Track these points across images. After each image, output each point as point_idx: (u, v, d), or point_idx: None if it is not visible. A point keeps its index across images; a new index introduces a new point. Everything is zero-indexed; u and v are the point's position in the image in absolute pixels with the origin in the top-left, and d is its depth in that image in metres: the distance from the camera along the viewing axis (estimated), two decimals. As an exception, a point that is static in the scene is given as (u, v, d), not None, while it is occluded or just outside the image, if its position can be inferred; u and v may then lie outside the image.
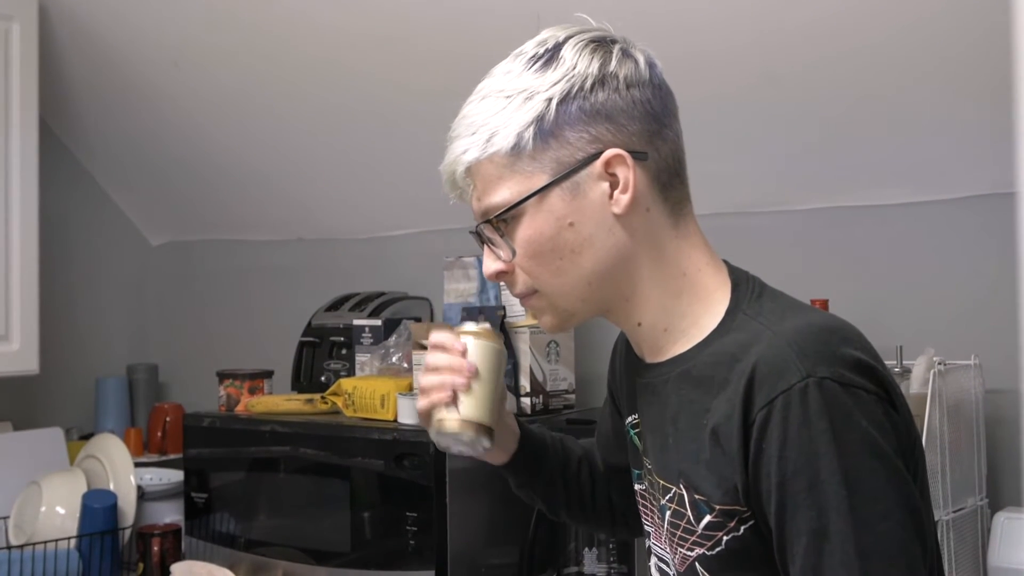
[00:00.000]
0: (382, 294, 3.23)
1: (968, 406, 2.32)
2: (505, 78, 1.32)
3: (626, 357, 1.48)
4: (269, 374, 3.11)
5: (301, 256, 3.71)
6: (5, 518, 3.14)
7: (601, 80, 1.27)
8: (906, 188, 2.53)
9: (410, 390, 2.67)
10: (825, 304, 2.42)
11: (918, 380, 2.24)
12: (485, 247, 1.36)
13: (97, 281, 3.94)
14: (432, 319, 3.19)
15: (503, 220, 1.30)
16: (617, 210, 1.27)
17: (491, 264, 1.34)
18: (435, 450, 2.52)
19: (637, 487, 1.44)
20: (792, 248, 2.72)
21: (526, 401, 2.76)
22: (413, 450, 2.54)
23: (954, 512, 2.22)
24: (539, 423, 2.58)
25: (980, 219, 2.44)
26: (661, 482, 1.31)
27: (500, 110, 1.30)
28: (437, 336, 1.40)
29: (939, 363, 2.21)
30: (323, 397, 2.85)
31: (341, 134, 3.25)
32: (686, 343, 1.29)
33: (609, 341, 2.96)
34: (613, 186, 1.27)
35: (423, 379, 1.39)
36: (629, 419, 1.46)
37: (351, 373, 2.96)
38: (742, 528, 1.20)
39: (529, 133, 1.27)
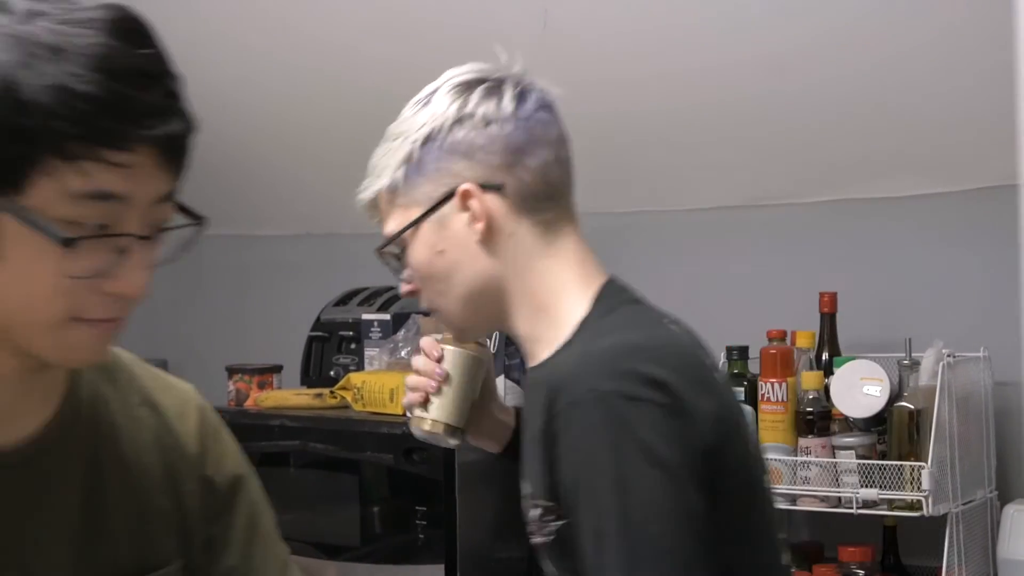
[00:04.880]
0: (391, 288, 3.22)
1: (977, 398, 2.32)
2: (397, 122, 1.51)
3: None
4: (278, 369, 3.11)
5: (309, 251, 3.71)
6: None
7: (459, 120, 1.43)
8: (914, 180, 2.53)
9: (419, 384, 2.67)
10: (834, 297, 2.42)
11: (927, 372, 2.23)
12: None
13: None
14: (440, 313, 3.19)
15: (396, 248, 1.47)
16: (476, 238, 1.40)
17: (402, 285, 1.51)
18: (444, 444, 2.52)
19: None
20: (800, 241, 2.72)
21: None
22: (422, 444, 2.52)
23: (963, 505, 2.22)
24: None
25: (989, 211, 2.44)
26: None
27: (385, 153, 1.49)
28: (422, 342, 1.55)
29: (948, 355, 2.21)
30: (332, 392, 2.85)
31: (349, 128, 3.24)
32: (546, 353, 1.40)
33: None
34: (471, 217, 1.40)
35: (407, 379, 1.54)
36: None
37: (360, 367, 2.96)
38: (561, 521, 1.31)
39: (400, 173, 1.45)
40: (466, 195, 1.39)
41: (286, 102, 3.27)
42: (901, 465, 2.17)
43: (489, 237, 1.40)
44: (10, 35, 0.91)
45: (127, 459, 1.11)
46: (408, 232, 1.43)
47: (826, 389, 2.30)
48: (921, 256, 2.56)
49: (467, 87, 1.46)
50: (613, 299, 1.45)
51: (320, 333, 3.21)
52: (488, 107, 1.44)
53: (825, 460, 2.26)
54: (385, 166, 1.47)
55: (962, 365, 2.27)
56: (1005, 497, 2.36)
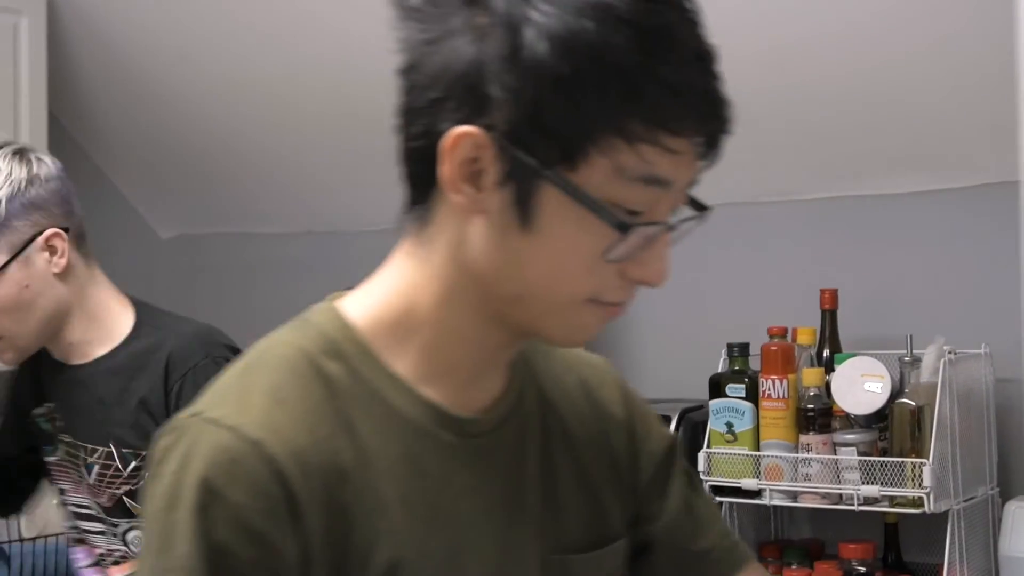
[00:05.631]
0: (392, 286, 3.22)
1: (978, 395, 2.32)
2: None
3: (32, 368, 1.93)
4: (279, 366, 3.11)
5: (311, 249, 3.71)
6: (17, 511, 3.15)
7: (31, 180, 1.79)
8: (916, 176, 2.53)
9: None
10: (835, 294, 2.42)
11: (928, 369, 2.23)
12: None
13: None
14: (441, 310, 3.19)
15: None
16: (56, 270, 1.81)
17: None
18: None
19: (51, 459, 1.92)
20: (802, 238, 2.72)
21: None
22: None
23: (965, 501, 2.22)
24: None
25: (990, 207, 2.44)
26: (89, 446, 1.85)
27: None
28: None
29: (949, 352, 2.21)
30: (333, 389, 2.85)
31: (350, 126, 3.25)
32: (105, 348, 1.86)
33: (617, 334, 2.96)
34: (52, 253, 1.80)
35: None
36: (36, 411, 1.93)
37: (361, 365, 2.96)
38: None
39: None
40: (52, 238, 1.81)
41: (288, 100, 3.27)
42: (902, 462, 2.17)
43: (65, 270, 1.82)
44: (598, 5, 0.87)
45: (570, 430, 1.09)
46: None
47: (827, 386, 2.30)
48: (922, 252, 2.56)
49: (19, 154, 1.80)
50: (149, 306, 1.94)
51: (321, 330, 3.20)
52: (44, 169, 1.82)
53: (826, 457, 2.25)
54: None
55: (963, 362, 2.26)
56: (1007, 494, 2.36)
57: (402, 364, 0.99)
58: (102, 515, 1.89)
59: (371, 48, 2.94)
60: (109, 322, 1.90)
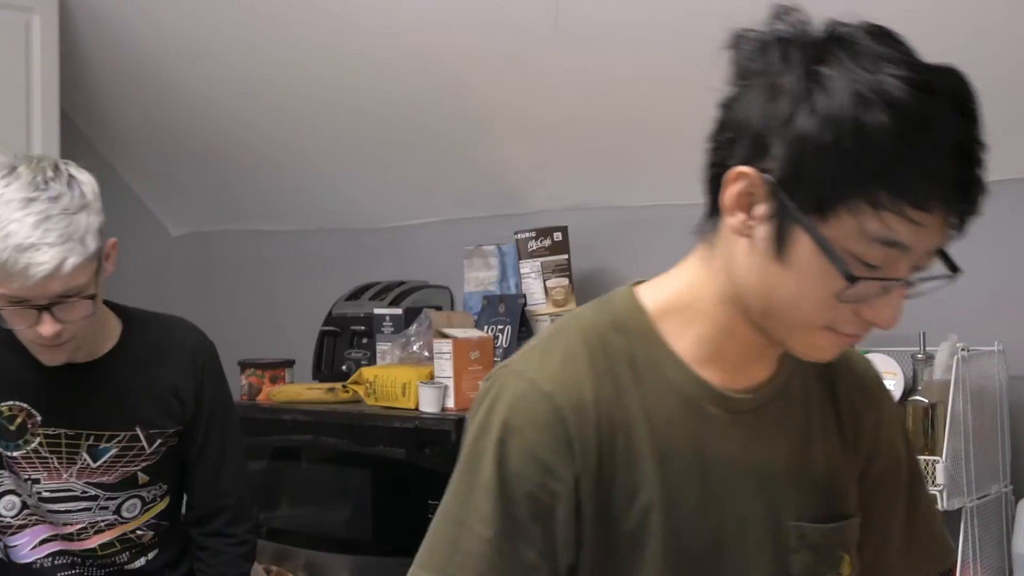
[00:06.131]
0: (402, 283, 3.23)
1: (991, 392, 2.31)
2: (59, 199, 1.84)
3: (7, 362, 1.97)
4: (291, 363, 3.12)
5: (321, 246, 3.72)
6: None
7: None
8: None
9: (431, 378, 2.67)
10: (847, 291, 2.41)
11: (941, 366, 2.23)
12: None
13: (118, 272, 3.92)
14: (452, 307, 3.19)
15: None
16: (107, 275, 1.92)
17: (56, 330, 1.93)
18: (457, 437, 2.52)
19: (15, 454, 1.98)
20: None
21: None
22: (435, 438, 2.54)
23: (978, 499, 2.21)
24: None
25: (1005, 204, 2.41)
26: (105, 432, 1.99)
27: (79, 224, 1.88)
28: None
29: (962, 349, 2.20)
30: (344, 386, 2.86)
31: (359, 125, 3.25)
32: (108, 346, 2.02)
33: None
34: (107, 260, 1.92)
35: None
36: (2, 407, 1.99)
37: (372, 362, 2.97)
38: (176, 439, 2.07)
39: (99, 240, 1.91)
40: (113, 245, 1.93)
41: (300, 99, 3.27)
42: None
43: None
44: (859, 77, 1.03)
45: (828, 417, 1.24)
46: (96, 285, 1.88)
47: (839, 383, 2.29)
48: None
49: (65, 165, 1.90)
50: (134, 310, 2.09)
51: (332, 327, 3.22)
52: None
53: (839, 454, 2.25)
54: (86, 234, 1.81)
55: (976, 359, 2.26)
56: (1020, 491, 2.35)
57: (681, 346, 1.17)
58: (94, 492, 2.03)
59: (385, 48, 2.96)
60: (106, 321, 2.03)
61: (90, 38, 3.43)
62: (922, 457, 2.16)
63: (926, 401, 2.21)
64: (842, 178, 1.02)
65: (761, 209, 1.07)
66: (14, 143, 2.99)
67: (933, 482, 2.13)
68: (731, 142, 1.10)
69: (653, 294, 1.20)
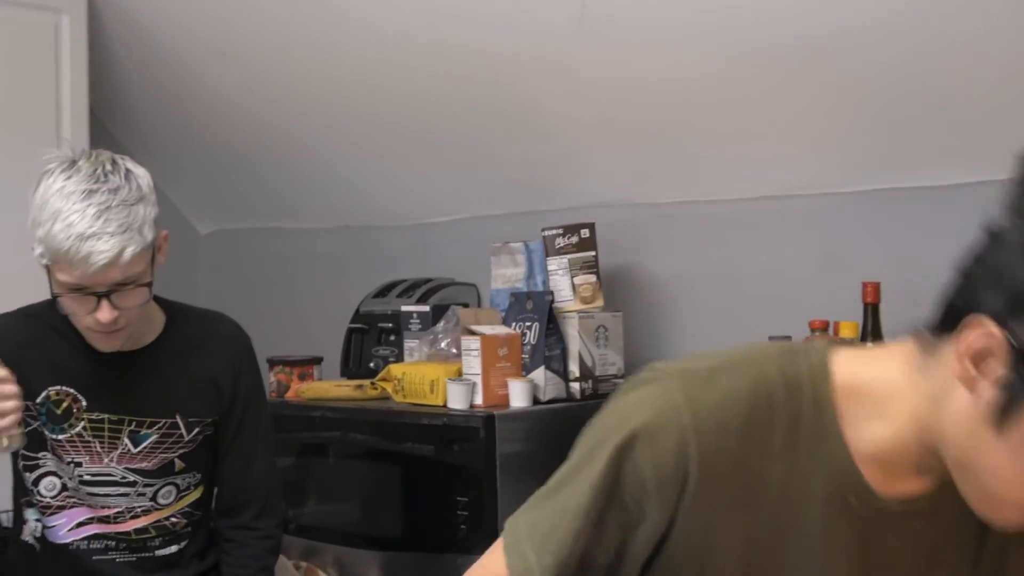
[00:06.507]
0: (429, 280, 3.23)
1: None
2: (117, 190, 1.93)
3: (57, 348, 2.07)
4: (319, 360, 3.13)
5: (348, 243, 3.73)
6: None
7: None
8: (960, 168, 2.51)
9: (459, 375, 2.68)
10: (877, 287, 2.41)
11: (972, 362, 2.21)
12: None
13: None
14: (479, 304, 3.20)
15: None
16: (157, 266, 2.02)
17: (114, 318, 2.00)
18: (485, 434, 2.53)
19: (60, 437, 2.06)
20: (843, 230, 2.70)
21: (575, 386, 2.76)
22: (463, 435, 2.55)
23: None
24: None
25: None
26: (147, 419, 2.07)
27: (136, 214, 1.96)
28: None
29: (994, 345, 2.19)
30: (373, 383, 2.87)
31: (386, 122, 3.26)
32: (152, 336, 2.11)
33: (659, 327, 2.96)
34: (159, 251, 2.00)
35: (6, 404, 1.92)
36: (47, 393, 2.06)
37: (400, 359, 2.98)
38: (212, 428, 2.13)
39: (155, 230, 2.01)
40: (164, 237, 2.02)
41: (325, 98, 3.28)
42: (946, 455, 2.16)
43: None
44: None
45: (964, 542, 1.17)
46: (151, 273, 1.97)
47: (869, 379, 2.28)
48: (965, 245, 2.54)
49: (121, 159, 1.99)
50: (172, 302, 2.16)
51: (359, 325, 3.23)
52: None
53: (869, 450, 2.24)
54: (143, 224, 1.90)
55: (1008, 355, 2.23)
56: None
57: (852, 432, 1.09)
58: (133, 478, 2.09)
59: (410, 48, 2.97)
60: (152, 313, 2.11)
61: (118, 38, 3.45)
62: None
63: None
64: None
65: (995, 371, 0.98)
66: (44, 141, 2.99)
67: (964, 478, 2.12)
68: (986, 285, 1.01)
69: (848, 369, 1.11)
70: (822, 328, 2.37)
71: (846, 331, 2.37)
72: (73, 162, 1.92)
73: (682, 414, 1.09)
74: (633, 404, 1.12)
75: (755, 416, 1.09)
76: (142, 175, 1.97)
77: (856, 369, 1.11)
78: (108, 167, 1.92)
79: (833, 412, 1.10)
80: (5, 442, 1.90)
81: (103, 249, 1.84)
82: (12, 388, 1.91)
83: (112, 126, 3.81)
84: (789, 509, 1.10)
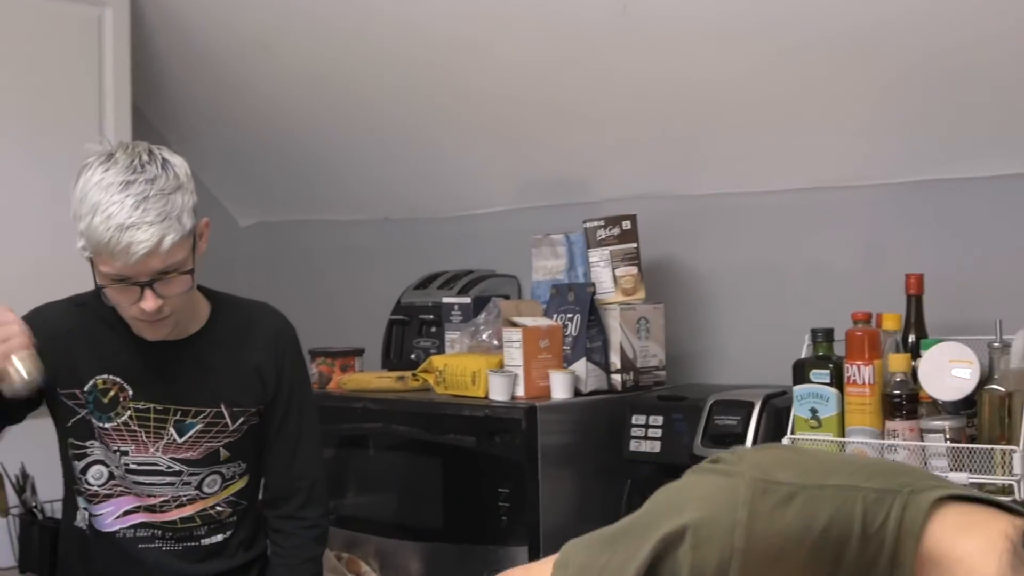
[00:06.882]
0: (470, 272, 3.24)
1: (1070, 381, 2.27)
2: (153, 180, 1.93)
3: (104, 338, 2.08)
4: (360, 352, 3.14)
5: (388, 235, 3.74)
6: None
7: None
8: (1003, 159, 2.49)
9: (501, 367, 2.68)
10: (920, 279, 2.39)
11: (1018, 355, 2.19)
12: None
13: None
14: (520, 296, 3.20)
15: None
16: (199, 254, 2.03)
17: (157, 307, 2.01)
18: (527, 426, 2.53)
19: (107, 425, 2.08)
20: (887, 221, 2.68)
21: (617, 378, 2.76)
22: (505, 426, 2.55)
23: (1056, 488, 2.18)
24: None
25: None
26: (192, 408, 2.09)
27: (175, 203, 1.97)
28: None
29: (1040, 337, 2.17)
30: (414, 374, 2.87)
31: (426, 115, 3.26)
32: (197, 325, 2.12)
33: (700, 319, 2.95)
34: (201, 238, 2.03)
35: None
36: (94, 381, 2.07)
37: (441, 351, 2.98)
38: (256, 418, 2.15)
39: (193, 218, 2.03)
40: (206, 224, 2.04)
41: (364, 91, 3.29)
42: (991, 449, 2.14)
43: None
44: None
45: None
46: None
47: (913, 372, 2.27)
48: (1012, 236, 2.52)
49: (159, 149, 2.00)
50: (216, 292, 2.18)
51: (401, 316, 3.23)
52: None
53: (913, 443, 2.22)
54: (182, 213, 1.91)
55: (1055, 347, 2.22)
56: (1098, 481, 2.31)
57: None
58: (178, 467, 2.11)
59: (449, 44, 2.97)
60: (197, 303, 2.13)
61: (160, 31, 3.47)
62: (998, 447, 2.13)
63: (1003, 390, 2.17)
64: None
65: None
66: (87, 135, 3.03)
67: (1010, 471, 2.10)
68: None
69: (944, 536, 1.02)
70: (864, 320, 2.35)
71: (889, 323, 2.36)
72: (111, 155, 1.93)
73: (736, 533, 1.03)
74: (697, 495, 1.06)
75: (818, 558, 1.02)
76: (179, 164, 1.98)
77: (952, 542, 1.00)
78: (145, 157, 1.93)
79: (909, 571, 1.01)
80: (22, 371, 1.87)
81: (143, 239, 1.86)
82: (11, 316, 1.91)
83: (154, 119, 3.83)
84: None
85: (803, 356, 2.39)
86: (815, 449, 1.09)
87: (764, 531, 1.02)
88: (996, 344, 2.25)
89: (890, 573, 1.01)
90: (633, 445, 2.57)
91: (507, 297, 3.10)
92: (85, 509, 2.15)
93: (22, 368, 1.86)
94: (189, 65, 3.58)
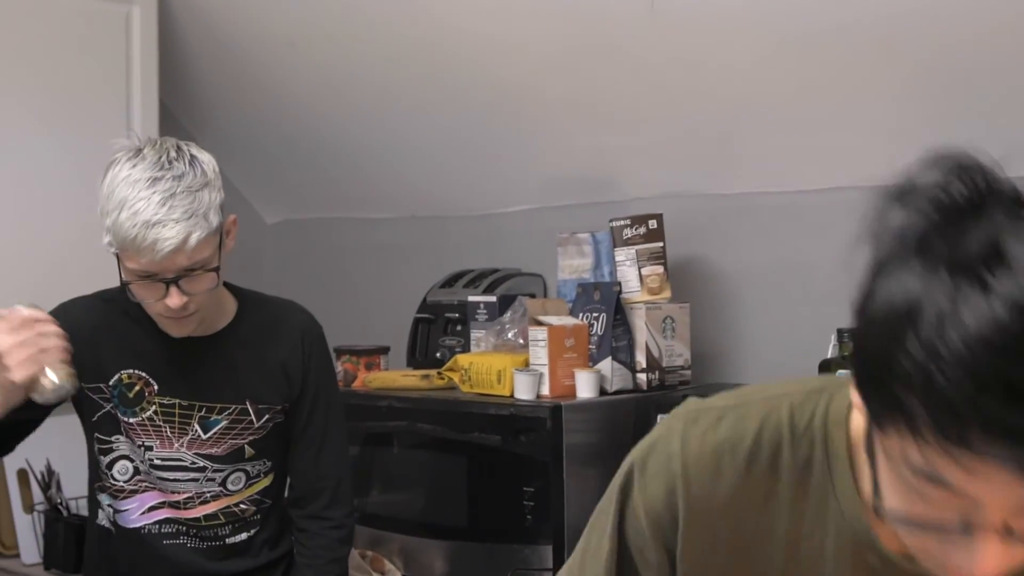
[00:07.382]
0: (496, 271, 3.23)
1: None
2: (182, 177, 1.93)
3: (131, 333, 2.09)
4: (386, 350, 3.14)
5: (414, 233, 3.73)
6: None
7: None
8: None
9: (526, 366, 2.67)
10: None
11: None
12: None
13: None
14: (546, 295, 3.19)
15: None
16: (227, 251, 2.03)
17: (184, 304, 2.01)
18: (552, 425, 2.52)
19: (132, 420, 2.08)
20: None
21: (642, 377, 2.75)
22: (530, 425, 2.55)
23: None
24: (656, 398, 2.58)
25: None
26: (217, 404, 2.09)
27: (202, 200, 1.96)
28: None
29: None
30: (440, 373, 2.87)
31: (453, 112, 3.26)
32: (224, 322, 2.12)
33: (726, 318, 2.94)
34: (228, 236, 2.03)
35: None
36: (119, 376, 2.08)
37: (466, 349, 2.98)
38: (282, 416, 2.14)
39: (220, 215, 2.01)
40: (233, 221, 2.03)
41: (392, 90, 3.29)
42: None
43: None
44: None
45: None
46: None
47: (942, 372, 2.25)
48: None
49: (187, 145, 2.01)
50: (242, 289, 2.18)
51: (426, 315, 3.23)
52: None
53: (941, 445, 2.21)
54: (208, 210, 1.91)
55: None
56: None
57: (867, 487, 0.97)
58: (202, 464, 2.11)
59: (476, 40, 2.96)
60: (224, 299, 2.13)
61: (187, 28, 3.48)
62: None
63: None
64: (886, 392, 0.87)
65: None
66: (115, 132, 3.01)
67: None
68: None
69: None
70: (894, 320, 2.33)
71: (918, 323, 2.34)
72: (138, 151, 1.93)
73: (674, 461, 1.06)
74: (642, 443, 1.11)
75: (756, 465, 1.04)
76: (207, 160, 1.97)
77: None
78: (173, 154, 1.93)
79: (846, 465, 1.02)
80: (55, 379, 1.80)
81: (169, 236, 1.86)
82: (53, 327, 1.84)
83: (182, 116, 3.85)
84: (797, 562, 1.05)
85: (829, 356, 2.39)
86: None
87: (698, 451, 1.05)
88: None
89: (827, 466, 1.03)
90: (658, 445, 2.56)
91: (533, 296, 3.09)
92: (109, 506, 2.15)
93: (55, 377, 1.82)
94: (216, 61, 3.59)
